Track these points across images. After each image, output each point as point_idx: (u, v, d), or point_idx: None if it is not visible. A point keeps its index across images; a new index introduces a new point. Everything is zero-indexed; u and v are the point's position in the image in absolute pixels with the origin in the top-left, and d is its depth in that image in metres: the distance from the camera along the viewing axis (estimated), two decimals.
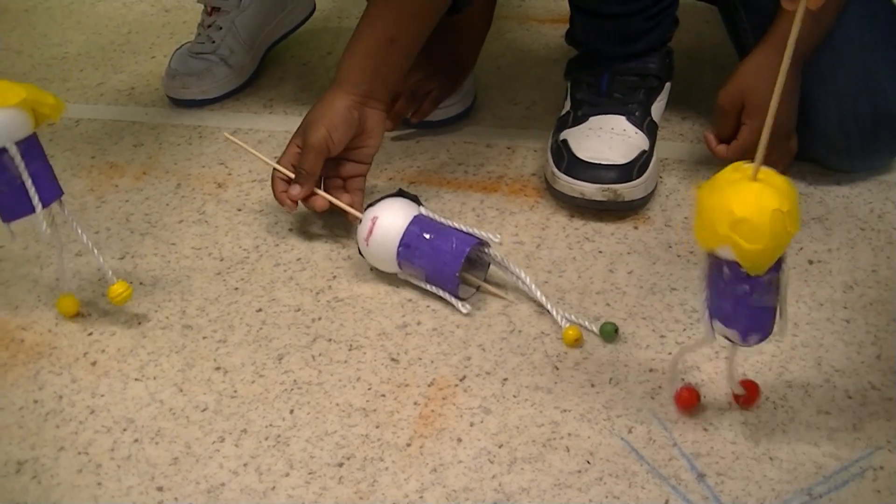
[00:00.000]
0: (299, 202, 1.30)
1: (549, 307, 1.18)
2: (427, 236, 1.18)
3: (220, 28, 1.68)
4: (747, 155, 0.94)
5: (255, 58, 1.73)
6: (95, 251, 1.19)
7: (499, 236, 1.20)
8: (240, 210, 1.39)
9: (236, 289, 1.25)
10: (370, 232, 1.20)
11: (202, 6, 1.72)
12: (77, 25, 2.00)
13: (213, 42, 1.67)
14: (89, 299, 1.25)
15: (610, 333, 1.15)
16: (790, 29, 0.84)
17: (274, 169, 1.31)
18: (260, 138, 1.55)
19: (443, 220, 1.21)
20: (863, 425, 1.03)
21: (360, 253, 1.24)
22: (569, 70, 1.47)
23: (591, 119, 1.38)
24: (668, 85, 1.45)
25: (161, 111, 1.66)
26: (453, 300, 1.19)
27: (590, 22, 1.43)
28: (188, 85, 1.66)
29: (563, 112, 1.43)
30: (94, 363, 1.16)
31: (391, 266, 1.22)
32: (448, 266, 1.17)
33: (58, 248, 1.21)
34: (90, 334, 1.20)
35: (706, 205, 0.87)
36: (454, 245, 1.17)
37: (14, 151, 1.07)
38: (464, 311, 1.19)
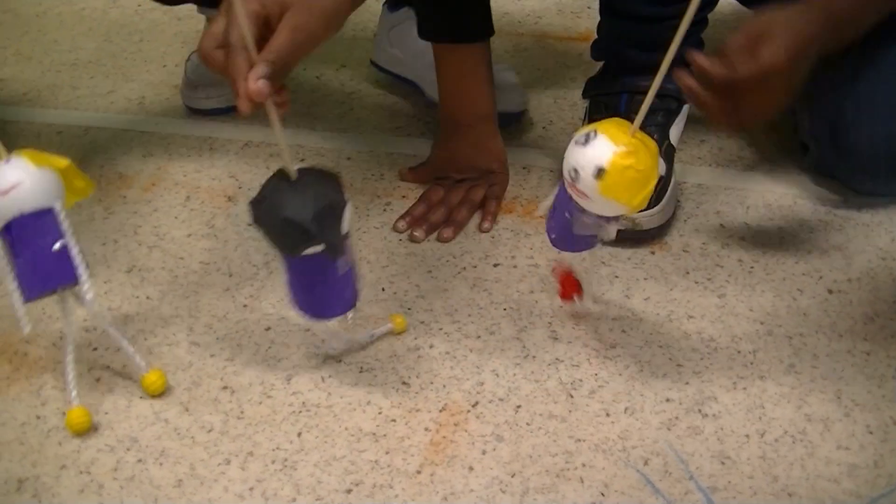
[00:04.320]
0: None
1: None
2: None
3: None
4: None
5: None
6: (125, 342, 1.12)
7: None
8: (250, 225, 1.36)
9: (245, 306, 1.23)
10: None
11: None
12: (88, 32, 1.97)
13: None
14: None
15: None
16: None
17: (230, 30, 0.98)
18: (272, 152, 1.53)
19: None
20: (884, 461, 1.01)
21: None
22: (587, 89, 1.45)
23: None
24: (686, 107, 1.43)
25: (172, 121, 1.64)
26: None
27: (617, 25, 1.41)
28: (204, 94, 1.64)
29: None
30: (98, 380, 1.14)
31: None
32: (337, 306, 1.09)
33: (69, 334, 1.10)
34: (95, 349, 1.18)
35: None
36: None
37: (61, 213, 1.02)
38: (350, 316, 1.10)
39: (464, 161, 1.38)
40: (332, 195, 0.98)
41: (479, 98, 1.41)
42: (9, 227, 0.99)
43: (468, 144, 1.40)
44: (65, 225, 1.01)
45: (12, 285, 1.00)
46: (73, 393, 1.08)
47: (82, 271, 1.02)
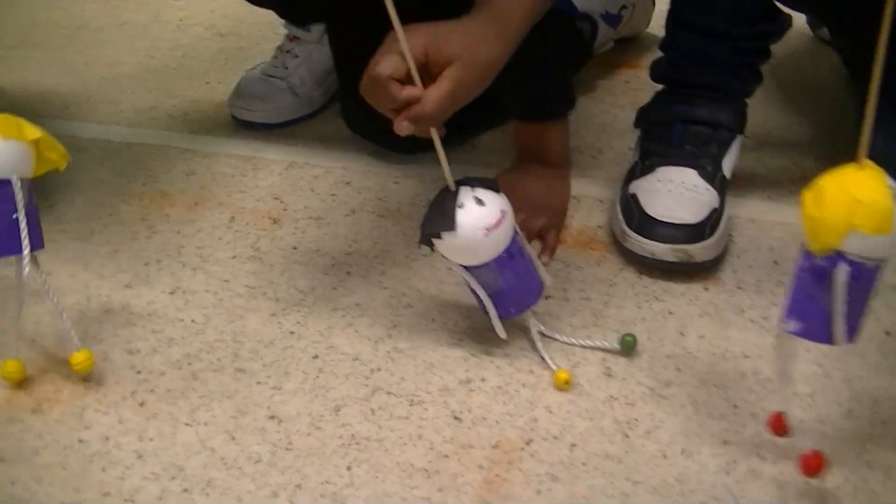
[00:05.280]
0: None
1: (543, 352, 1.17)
2: (523, 255, 1.14)
3: (297, 56, 1.66)
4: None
5: (326, 93, 1.70)
6: (64, 315, 1.14)
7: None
8: (295, 248, 1.35)
9: (292, 332, 1.20)
10: (498, 224, 1.09)
11: (268, 31, 1.69)
12: (130, 46, 1.96)
13: (286, 69, 1.65)
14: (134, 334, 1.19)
15: (630, 345, 1.16)
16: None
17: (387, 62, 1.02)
18: (316, 174, 1.51)
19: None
20: None
21: (431, 232, 1.10)
22: (639, 118, 1.43)
23: (659, 169, 1.34)
24: (739, 138, 1.40)
25: (214, 140, 1.62)
26: (498, 325, 1.16)
27: (684, 39, 1.39)
28: (251, 107, 1.64)
29: (632, 162, 1.38)
30: (142, 404, 1.11)
31: (472, 259, 1.11)
32: (527, 297, 1.16)
33: (18, 300, 1.12)
34: (139, 372, 1.15)
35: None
36: (537, 278, 1.16)
37: (17, 185, 1.05)
38: (503, 336, 1.15)
39: (530, 193, 1.36)
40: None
41: (556, 156, 1.44)
42: None
43: (538, 182, 1.40)
44: (19, 196, 1.04)
45: None
46: (16, 346, 1.14)
47: (25, 245, 1.06)
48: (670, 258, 1.26)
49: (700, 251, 1.27)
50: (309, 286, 1.28)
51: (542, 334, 1.19)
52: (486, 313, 1.15)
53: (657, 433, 1.08)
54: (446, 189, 1.09)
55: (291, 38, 1.68)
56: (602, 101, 1.73)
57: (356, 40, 1.16)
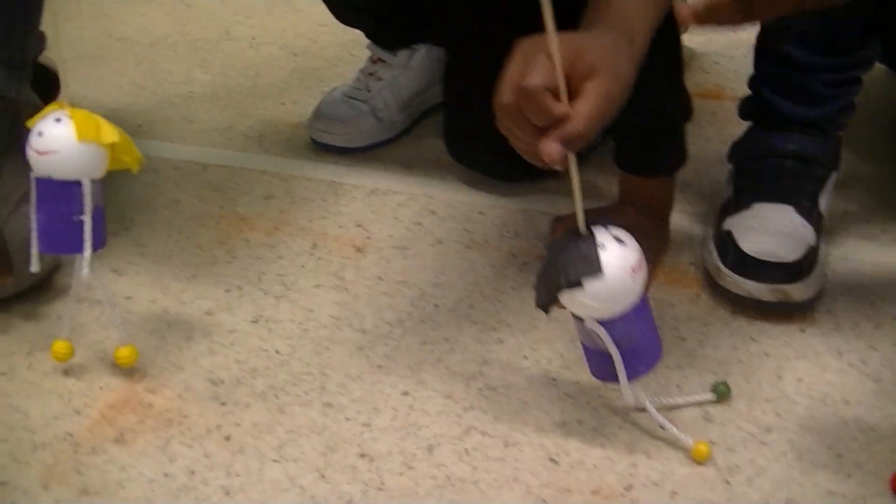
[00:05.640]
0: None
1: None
2: (648, 301, 1.04)
3: (381, 80, 1.63)
4: None
5: (409, 118, 1.67)
6: (116, 309, 1.20)
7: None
8: (381, 279, 1.32)
9: (380, 367, 1.18)
10: (641, 263, 0.99)
11: (343, 52, 1.73)
12: (202, 64, 1.94)
13: (370, 91, 1.62)
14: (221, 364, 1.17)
15: (725, 395, 1.12)
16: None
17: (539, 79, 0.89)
18: (399, 201, 1.48)
19: None
20: None
21: (570, 281, 0.96)
22: (732, 153, 1.40)
23: (756, 206, 1.31)
24: (833, 175, 1.37)
25: (292, 162, 1.60)
26: (628, 390, 1.04)
27: (769, 70, 1.37)
28: (331, 129, 1.61)
29: (726, 198, 1.35)
30: (227, 437, 1.09)
31: (615, 307, 0.98)
32: (655, 351, 1.05)
33: (74, 296, 1.16)
34: (223, 404, 1.13)
35: None
36: (657, 344, 1.06)
37: (87, 188, 1.06)
38: (632, 401, 1.06)
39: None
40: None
41: (660, 205, 1.38)
42: (39, 179, 1.06)
43: (636, 220, 1.33)
44: (87, 199, 1.06)
45: (34, 229, 1.09)
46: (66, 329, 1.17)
47: (86, 247, 1.08)
48: (768, 298, 1.23)
49: (798, 291, 1.24)
50: (396, 318, 1.25)
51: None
52: (606, 378, 1.04)
53: (759, 481, 1.04)
54: (573, 232, 0.97)
55: (375, 61, 1.65)
56: (688, 133, 1.69)
57: (473, 63, 1.10)
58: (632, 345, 1.00)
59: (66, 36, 1.54)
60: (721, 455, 1.07)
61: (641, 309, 1.00)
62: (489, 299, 1.28)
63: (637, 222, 1.31)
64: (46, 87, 1.39)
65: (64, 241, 1.09)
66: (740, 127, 1.45)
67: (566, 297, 0.96)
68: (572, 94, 0.91)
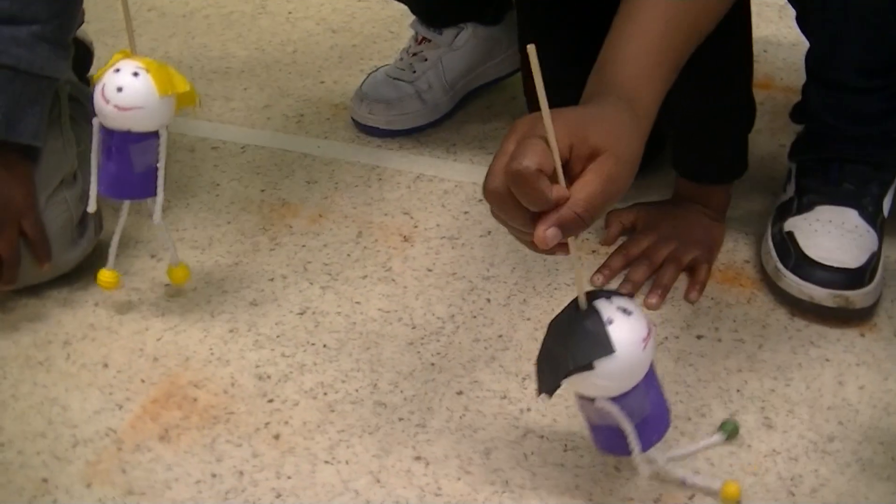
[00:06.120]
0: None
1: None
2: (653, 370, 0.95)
3: (426, 60, 1.59)
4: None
5: (453, 100, 1.62)
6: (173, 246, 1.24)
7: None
8: (430, 271, 1.29)
9: (432, 364, 1.14)
10: (650, 331, 0.89)
11: (381, 29, 1.73)
12: (238, 38, 1.90)
13: (414, 72, 1.57)
14: (269, 358, 1.16)
15: (734, 433, 1.07)
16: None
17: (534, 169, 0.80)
18: (446, 188, 1.44)
19: None
20: None
21: (580, 365, 0.87)
22: (794, 151, 1.36)
23: (818, 208, 1.27)
24: None
25: (334, 145, 1.56)
26: (643, 465, 0.95)
27: (826, 94, 1.31)
28: (375, 112, 1.57)
29: (786, 197, 1.31)
30: (276, 436, 1.06)
31: (628, 382, 0.89)
32: (665, 417, 0.96)
33: (120, 223, 1.21)
34: (270, 401, 1.10)
35: None
36: (666, 407, 0.97)
37: (164, 137, 1.11)
38: (647, 476, 0.99)
39: (682, 224, 1.29)
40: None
41: (717, 208, 1.36)
42: (115, 134, 1.09)
43: (692, 217, 1.33)
44: (163, 148, 1.11)
45: (94, 174, 1.13)
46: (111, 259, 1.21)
47: (160, 192, 1.14)
48: (829, 303, 1.20)
49: (860, 298, 1.21)
50: (447, 313, 1.22)
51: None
52: (616, 451, 0.94)
53: (823, 492, 1.01)
54: (573, 308, 0.89)
55: (420, 41, 1.61)
56: None
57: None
58: (644, 416, 0.91)
59: (97, 7, 1.51)
60: (784, 465, 1.04)
61: (650, 376, 0.91)
62: (542, 295, 1.25)
63: (697, 219, 1.28)
64: (78, 61, 1.37)
65: (136, 188, 1.14)
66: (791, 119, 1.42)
67: (575, 380, 0.88)
68: (572, 178, 0.83)
